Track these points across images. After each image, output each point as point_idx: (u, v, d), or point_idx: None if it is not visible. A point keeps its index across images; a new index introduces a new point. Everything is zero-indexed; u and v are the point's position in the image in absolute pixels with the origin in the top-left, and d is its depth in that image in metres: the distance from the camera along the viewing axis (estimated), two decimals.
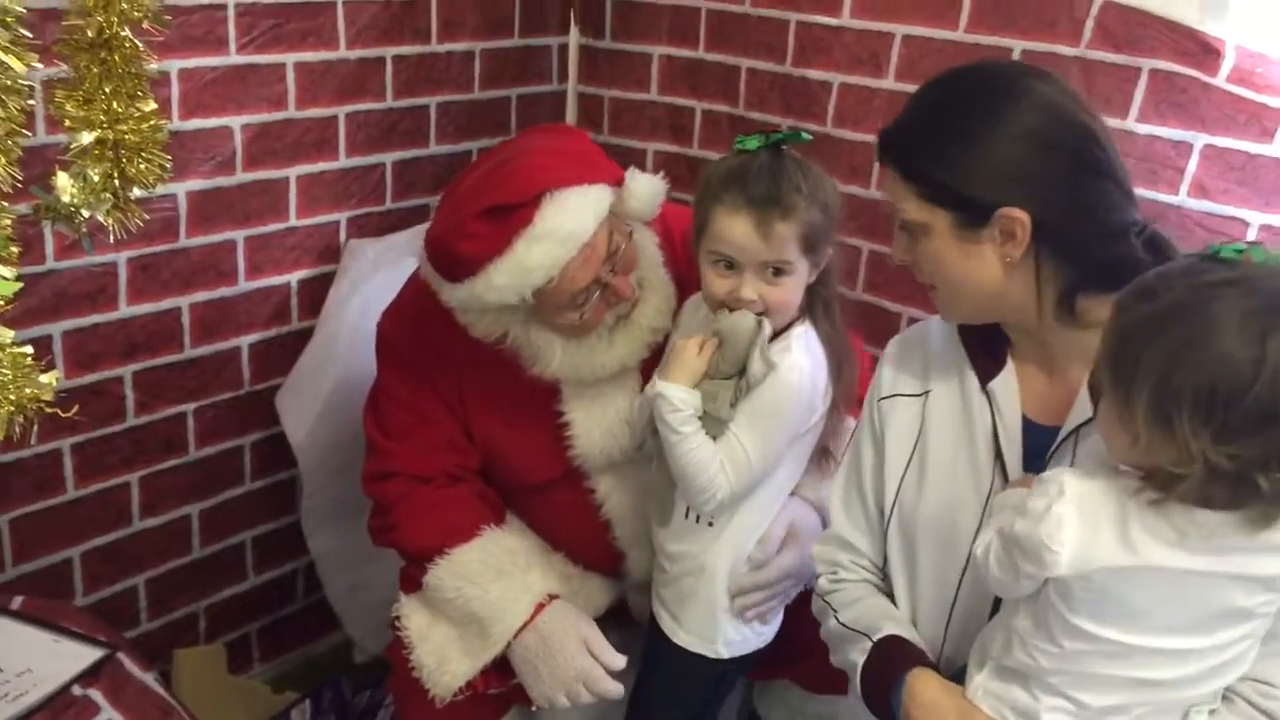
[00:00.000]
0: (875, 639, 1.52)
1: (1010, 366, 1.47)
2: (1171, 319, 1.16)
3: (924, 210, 1.40)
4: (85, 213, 1.16)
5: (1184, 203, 1.94)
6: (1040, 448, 1.43)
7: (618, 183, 1.77)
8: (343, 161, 2.41)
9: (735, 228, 1.61)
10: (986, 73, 1.47)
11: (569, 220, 1.67)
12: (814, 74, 2.37)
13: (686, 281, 1.91)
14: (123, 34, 1.04)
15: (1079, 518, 1.23)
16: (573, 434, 1.89)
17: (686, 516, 1.77)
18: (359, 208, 2.47)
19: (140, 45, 1.07)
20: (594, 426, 1.88)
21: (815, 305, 1.73)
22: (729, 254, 1.64)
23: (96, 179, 1.11)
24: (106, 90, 1.06)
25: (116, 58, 1.05)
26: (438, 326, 1.88)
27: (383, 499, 1.96)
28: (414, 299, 1.94)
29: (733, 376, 1.66)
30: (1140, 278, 1.22)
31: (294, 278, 2.40)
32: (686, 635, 1.83)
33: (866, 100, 2.31)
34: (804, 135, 1.66)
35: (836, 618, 1.60)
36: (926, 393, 1.54)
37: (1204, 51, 1.89)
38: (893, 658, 1.50)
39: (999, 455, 1.45)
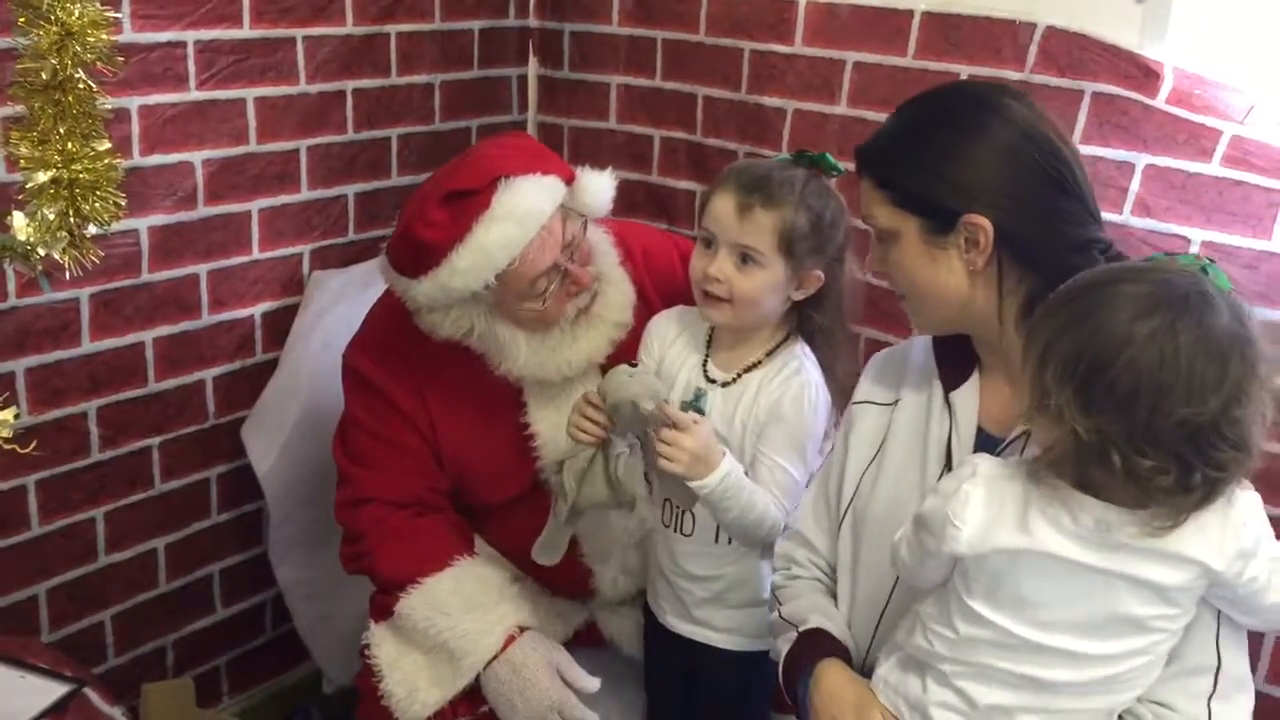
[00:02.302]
0: (801, 630, 1.56)
1: (975, 379, 1.51)
2: (1070, 299, 1.24)
3: (894, 217, 1.45)
4: (41, 251, 1.18)
5: (1128, 221, 1.98)
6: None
7: (570, 180, 1.83)
8: (305, 194, 2.43)
9: (719, 204, 1.70)
10: (964, 90, 1.56)
11: (525, 201, 1.74)
12: (769, 101, 2.41)
13: (648, 293, 1.95)
14: (76, 75, 1.06)
15: (986, 497, 1.28)
16: (539, 443, 1.92)
17: (717, 541, 1.80)
18: (322, 239, 2.49)
19: (94, 85, 1.09)
20: (559, 433, 1.89)
21: (810, 330, 1.79)
22: (709, 229, 1.71)
23: (52, 218, 1.13)
24: (61, 130, 1.08)
25: (70, 98, 1.07)
26: (402, 350, 1.91)
27: (354, 526, 1.97)
28: (377, 327, 1.98)
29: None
30: None
31: (258, 310, 2.41)
32: (744, 639, 1.87)
33: (819, 125, 2.34)
34: (838, 166, 1.74)
35: (779, 611, 1.64)
36: (896, 402, 1.58)
37: (1144, 74, 1.94)
38: (810, 648, 1.54)
39: (949, 460, 1.49)
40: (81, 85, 1.08)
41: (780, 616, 1.63)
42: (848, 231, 1.76)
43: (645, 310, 1.94)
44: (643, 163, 2.69)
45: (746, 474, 1.70)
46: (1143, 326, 1.17)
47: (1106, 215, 1.96)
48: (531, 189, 1.75)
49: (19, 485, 2.12)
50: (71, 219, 1.12)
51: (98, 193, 1.11)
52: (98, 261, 1.22)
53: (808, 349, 1.80)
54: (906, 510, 1.50)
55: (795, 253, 1.70)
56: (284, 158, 2.37)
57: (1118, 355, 1.17)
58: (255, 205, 2.35)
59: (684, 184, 2.61)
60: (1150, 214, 1.96)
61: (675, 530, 1.84)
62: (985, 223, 1.39)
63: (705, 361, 1.82)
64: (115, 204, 1.14)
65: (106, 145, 1.13)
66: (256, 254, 2.38)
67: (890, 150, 1.46)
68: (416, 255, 1.77)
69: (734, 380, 1.79)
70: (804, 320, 1.79)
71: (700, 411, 1.76)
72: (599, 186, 1.86)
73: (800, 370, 1.76)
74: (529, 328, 1.85)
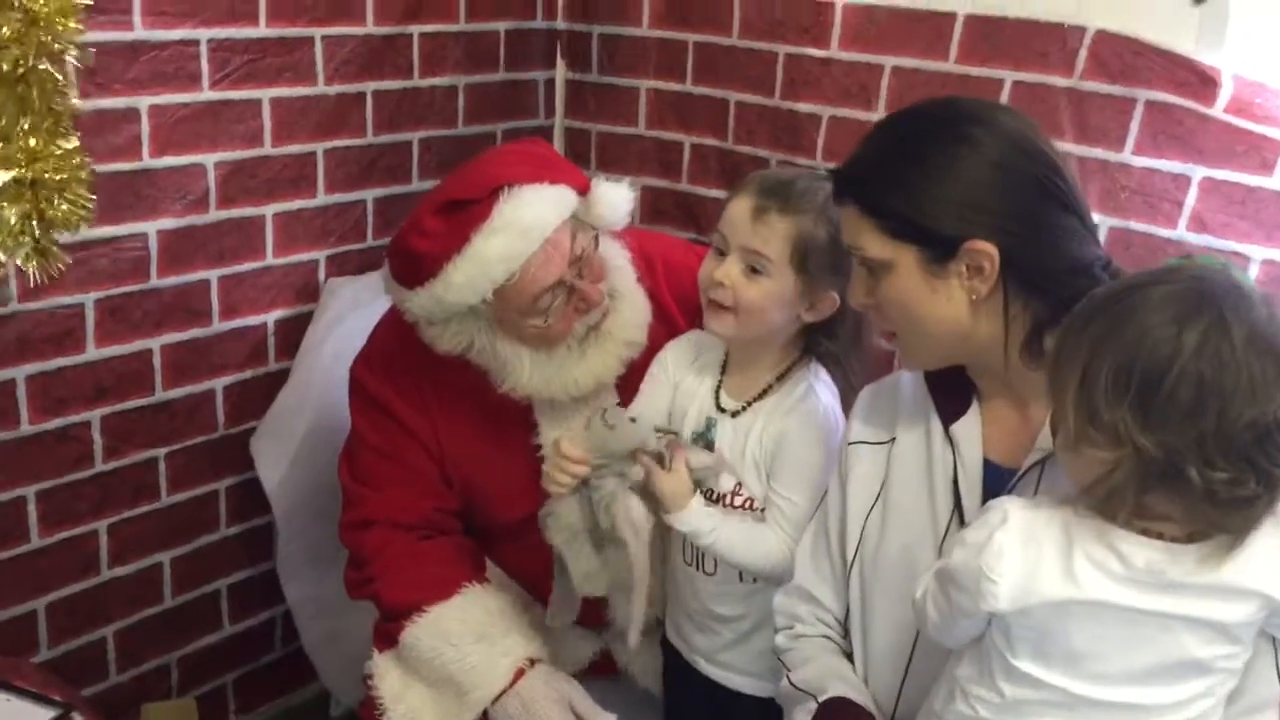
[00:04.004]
0: (821, 700, 1.45)
1: (975, 409, 1.41)
2: (1098, 312, 1.16)
3: (887, 247, 1.33)
4: (2, 256, 1.10)
5: (1183, 237, 1.88)
6: (1002, 490, 1.36)
7: (583, 190, 1.73)
8: (321, 199, 2.36)
9: (735, 206, 1.62)
10: (944, 105, 1.43)
11: (528, 213, 1.64)
12: (803, 107, 2.32)
13: (669, 310, 1.86)
14: (41, 67, 0.98)
15: (1021, 547, 1.18)
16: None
17: (742, 580, 1.72)
18: (338, 245, 2.42)
19: (61, 78, 1.01)
20: None
21: (821, 354, 1.70)
22: (722, 232, 1.63)
23: (14, 221, 1.05)
24: (24, 127, 1.00)
25: (35, 93, 0.99)
26: (409, 365, 1.83)
27: (360, 550, 1.89)
28: (383, 340, 1.90)
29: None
30: None
31: (271, 317, 2.34)
32: (773, 684, 1.74)
33: (856, 133, 2.22)
34: None
35: (789, 678, 1.53)
36: (892, 440, 1.48)
37: (1201, 82, 1.83)
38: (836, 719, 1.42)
39: (958, 498, 1.38)
40: (47, 78, 1.00)
41: (792, 685, 1.51)
42: None
43: (664, 328, 1.84)
44: (672, 170, 2.61)
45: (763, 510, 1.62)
46: (1192, 329, 1.09)
47: (1160, 230, 1.90)
48: (536, 199, 1.65)
49: (18, 496, 2.06)
50: (34, 223, 1.04)
51: (64, 194, 1.03)
52: (64, 270, 1.13)
53: (821, 371, 1.70)
54: (920, 557, 1.41)
55: (808, 267, 1.60)
56: (300, 161, 2.30)
57: (1172, 361, 1.09)
58: (270, 209, 2.28)
59: (713, 192, 2.52)
60: (1207, 229, 1.85)
61: (697, 568, 1.74)
62: (990, 248, 1.28)
63: (718, 388, 1.73)
64: (84, 207, 1.06)
65: (74, 144, 1.04)
66: (270, 260, 2.31)
67: (876, 173, 1.35)
68: (411, 266, 1.68)
69: (743, 410, 1.70)
70: (813, 344, 1.70)
71: (711, 443, 1.69)
72: (615, 198, 1.76)
73: (808, 395, 1.67)
74: (533, 345, 1.75)
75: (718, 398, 1.72)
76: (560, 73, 2.75)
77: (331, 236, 2.40)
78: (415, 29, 2.42)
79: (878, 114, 2.21)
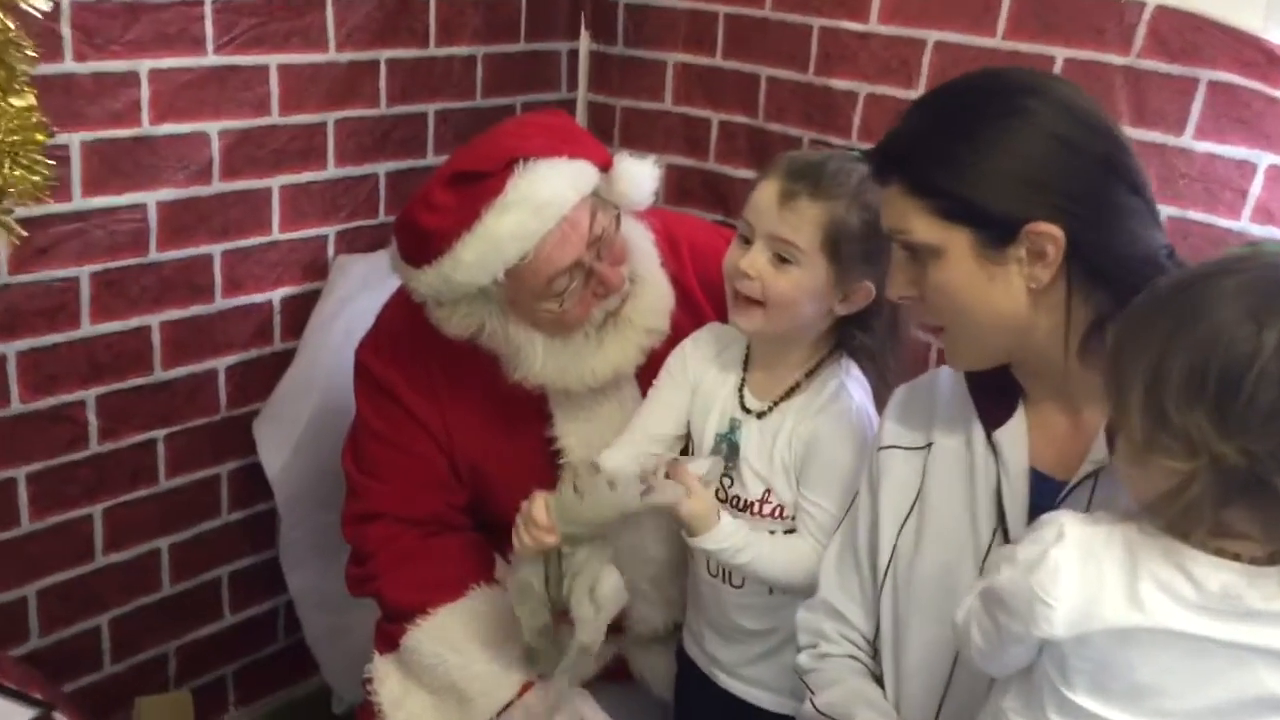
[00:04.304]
0: None
1: (1020, 414, 1.29)
2: (1164, 305, 1.04)
3: (936, 230, 1.22)
4: None
5: (1246, 228, 1.76)
6: (1051, 504, 1.24)
7: (605, 166, 1.63)
8: (331, 171, 2.26)
9: (762, 190, 1.51)
10: (992, 76, 1.32)
11: (544, 188, 1.53)
12: (838, 83, 2.20)
13: (694, 295, 1.76)
14: None
15: (1080, 567, 1.06)
16: (567, 458, 1.72)
17: (772, 593, 1.60)
18: (349, 221, 2.32)
19: (12, 26, 0.91)
20: (588, 447, 1.70)
21: (855, 349, 1.58)
22: (748, 218, 1.51)
23: None
24: None
25: None
26: (418, 349, 1.73)
27: (363, 545, 1.79)
28: (391, 323, 1.81)
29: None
30: None
31: (276, 295, 2.25)
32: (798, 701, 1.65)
33: (894, 112, 2.06)
34: None
35: (813, 701, 1.41)
36: (929, 445, 1.36)
37: (1269, 61, 1.71)
38: None
39: (1002, 512, 1.27)
40: None
41: (817, 709, 1.39)
42: None
43: (689, 316, 1.73)
44: (699, 148, 2.51)
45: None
46: (1272, 325, 0.98)
47: (1221, 220, 1.78)
48: (553, 174, 1.54)
49: (9, 478, 1.97)
50: None
51: (18, 158, 0.92)
52: (19, 244, 1.03)
53: (853, 366, 1.58)
54: (958, 576, 1.29)
55: (841, 256, 1.48)
56: (309, 131, 2.19)
57: (1252, 360, 0.98)
58: (276, 182, 2.18)
59: (742, 172, 2.41)
60: (1273, 220, 1.74)
61: (724, 581, 1.63)
62: (1055, 231, 1.17)
63: (742, 385, 1.62)
64: (41, 174, 0.96)
65: (29, 102, 0.94)
66: (276, 235, 2.21)
67: (922, 148, 1.23)
68: (419, 242, 1.58)
69: (769, 410, 1.58)
70: (846, 339, 1.58)
71: (736, 446, 1.58)
72: (639, 175, 1.65)
73: (840, 394, 1.55)
74: (548, 331, 1.64)
75: (741, 397, 1.61)
76: (584, 44, 2.64)
77: (342, 212, 2.30)
78: None
79: (918, 92, 2.10)
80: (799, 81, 2.28)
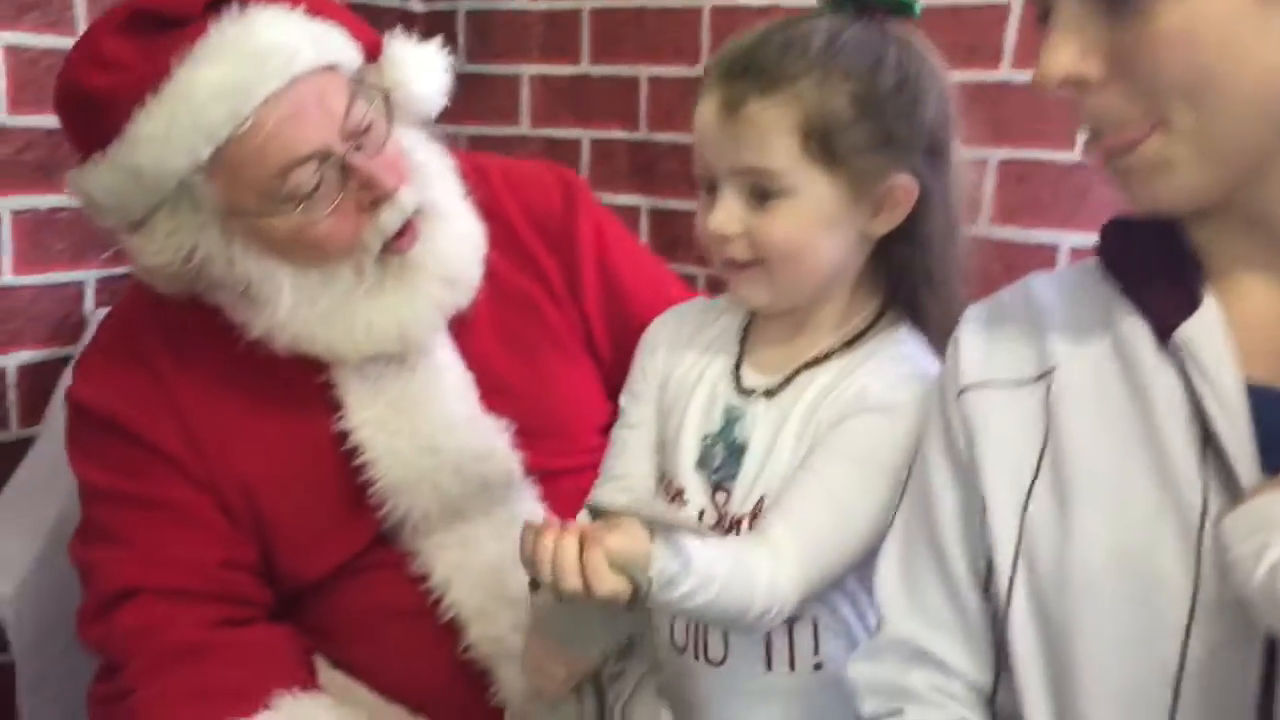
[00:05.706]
0: None
1: (1210, 302, 0.82)
2: None
3: None
4: None
5: None
6: None
7: (372, 51, 1.26)
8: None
9: (701, 114, 1.08)
10: None
11: (266, 34, 1.15)
12: None
13: (517, 234, 1.40)
14: None
15: None
16: (367, 458, 1.25)
17: (770, 668, 1.09)
18: (115, 265, 1.79)
19: None
20: (394, 440, 1.26)
21: (913, 287, 1.11)
22: (701, 160, 1.08)
23: None
24: None
25: None
26: (145, 355, 1.30)
27: (110, 646, 1.26)
28: (104, 337, 1.37)
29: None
30: None
31: (10, 361, 1.72)
32: None
33: None
34: (914, 5, 1.07)
35: None
36: (1050, 371, 0.89)
37: None
38: None
39: (1210, 445, 0.78)
40: None
41: None
42: (944, 103, 1.07)
43: (515, 261, 1.38)
44: None
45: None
46: None
47: None
48: (283, 22, 1.16)
49: None
50: None
51: None
52: None
53: (916, 337, 1.11)
54: (1157, 550, 0.80)
55: (840, 155, 1.03)
56: (50, 139, 1.68)
57: None
58: (6, 205, 1.67)
59: (624, 198, 2.10)
60: None
61: (699, 656, 1.11)
62: None
63: (738, 367, 1.13)
64: None
65: None
66: (8, 278, 1.70)
67: None
68: (86, 116, 1.17)
69: (786, 382, 1.10)
70: (897, 272, 1.10)
71: (739, 449, 1.09)
72: (422, 63, 1.28)
73: (900, 358, 1.08)
74: (297, 259, 1.21)
75: (738, 379, 1.12)
76: None
77: (104, 251, 1.76)
78: None
79: None
80: (689, 78, 1.97)
